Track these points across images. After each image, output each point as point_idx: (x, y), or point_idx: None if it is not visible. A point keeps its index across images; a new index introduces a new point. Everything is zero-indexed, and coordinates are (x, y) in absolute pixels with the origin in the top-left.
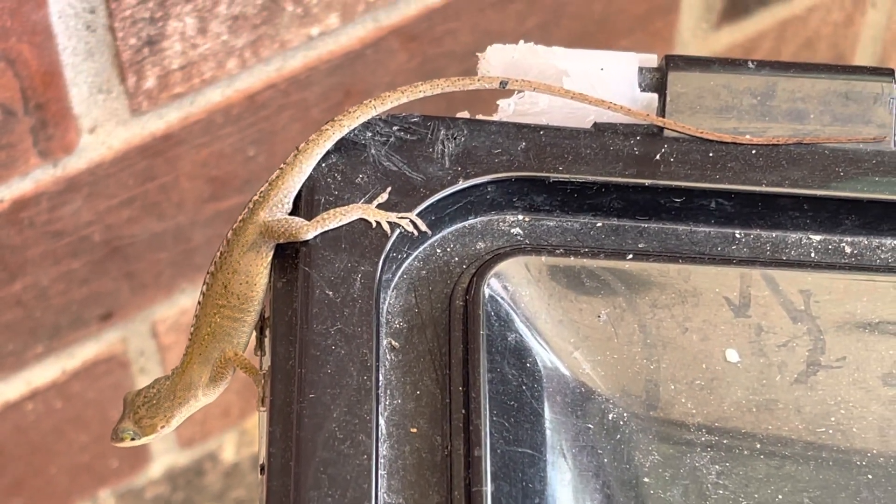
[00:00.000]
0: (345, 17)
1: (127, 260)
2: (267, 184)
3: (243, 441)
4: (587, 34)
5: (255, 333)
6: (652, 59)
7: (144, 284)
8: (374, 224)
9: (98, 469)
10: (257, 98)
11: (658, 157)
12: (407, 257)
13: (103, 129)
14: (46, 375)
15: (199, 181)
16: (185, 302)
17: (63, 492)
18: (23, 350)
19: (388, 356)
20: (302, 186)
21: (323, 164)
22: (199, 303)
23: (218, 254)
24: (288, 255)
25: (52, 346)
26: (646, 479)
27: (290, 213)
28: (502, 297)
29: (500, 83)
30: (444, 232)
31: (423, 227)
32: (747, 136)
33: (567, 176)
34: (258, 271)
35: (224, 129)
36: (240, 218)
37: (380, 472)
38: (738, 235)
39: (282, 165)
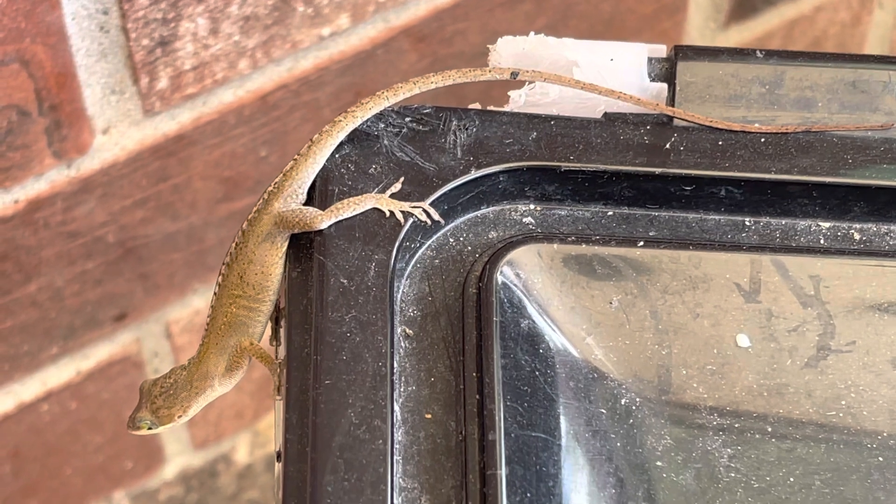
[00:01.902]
0: (355, 17)
1: (141, 260)
2: (281, 175)
3: (257, 442)
4: (595, 34)
5: (270, 323)
6: (661, 50)
7: (158, 285)
8: (388, 213)
9: (112, 470)
10: (269, 98)
11: (668, 145)
12: (420, 246)
13: (117, 130)
14: (61, 376)
15: (211, 181)
16: (198, 302)
17: (78, 493)
18: (38, 351)
19: (402, 344)
20: (316, 177)
21: (336, 155)
22: (214, 294)
23: (233, 245)
24: (303, 245)
25: (67, 347)
26: (658, 463)
27: (305, 204)
28: (515, 285)
29: (511, 74)
30: (457, 221)
31: (436, 217)
32: (756, 125)
33: (578, 165)
34: (273, 261)
35: (236, 130)
36: (255, 209)
37: (395, 457)
38: (747, 223)
39: (296, 156)
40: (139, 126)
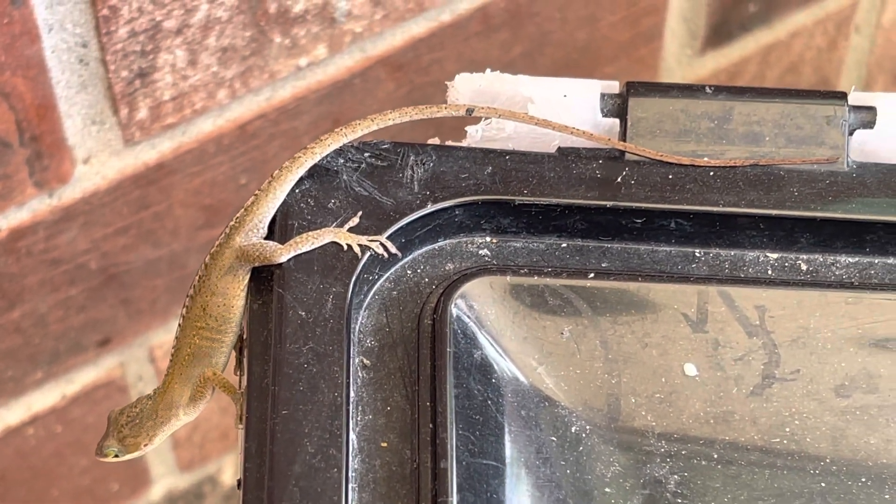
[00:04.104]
0: (332, 47)
1: (123, 287)
2: (242, 209)
3: None
4: (571, 62)
5: (234, 354)
6: (614, 86)
7: (141, 310)
8: (346, 247)
9: (99, 493)
10: (248, 127)
11: (619, 179)
12: (378, 278)
13: (97, 160)
14: (46, 401)
15: (192, 209)
16: None
17: None
18: (23, 376)
19: (360, 374)
20: (276, 212)
21: (296, 190)
22: (179, 325)
23: (196, 277)
24: (263, 278)
25: (52, 372)
26: (607, 489)
27: (266, 238)
28: (468, 316)
29: (467, 110)
30: (415, 254)
31: (393, 250)
32: (705, 159)
33: (532, 199)
34: (235, 294)
35: (216, 158)
36: (217, 243)
37: (351, 484)
38: (697, 254)
39: (256, 192)
40: (119, 155)
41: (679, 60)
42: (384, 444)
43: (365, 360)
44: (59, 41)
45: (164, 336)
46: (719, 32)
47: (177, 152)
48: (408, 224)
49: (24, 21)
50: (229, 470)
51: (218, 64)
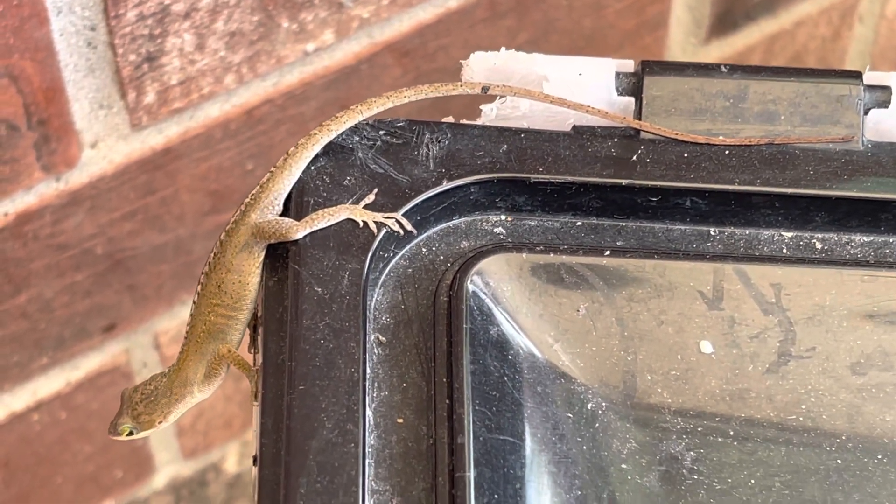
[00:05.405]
0: (339, 33)
1: (129, 272)
2: (258, 186)
3: (246, 452)
4: (577, 49)
5: (249, 331)
6: (629, 65)
7: (146, 296)
8: (362, 224)
9: (103, 480)
10: (255, 113)
11: (635, 157)
12: (394, 256)
13: (104, 144)
14: (51, 387)
15: (198, 194)
16: (186, 313)
17: (69, 502)
18: (28, 362)
19: (375, 350)
20: (292, 188)
21: (312, 167)
22: (193, 302)
23: (211, 254)
24: (279, 255)
25: (57, 358)
26: (623, 466)
27: (281, 215)
28: (484, 293)
29: (482, 88)
30: (430, 231)
31: (409, 227)
32: (720, 137)
33: (547, 177)
34: (250, 270)
35: (223, 144)
36: (232, 219)
37: (367, 460)
38: (712, 233)
39: (272, 169)
40: (127, 140)
41: (684, 49)
42: (400, 420)
43: (381, 337)
44: (68, 24)
45: (169, 322)
46: (724, 21)
47: (184, 137)
48: (423, 201)
49: (32, 4)
50: (233, 458)
51: (225, 48)
